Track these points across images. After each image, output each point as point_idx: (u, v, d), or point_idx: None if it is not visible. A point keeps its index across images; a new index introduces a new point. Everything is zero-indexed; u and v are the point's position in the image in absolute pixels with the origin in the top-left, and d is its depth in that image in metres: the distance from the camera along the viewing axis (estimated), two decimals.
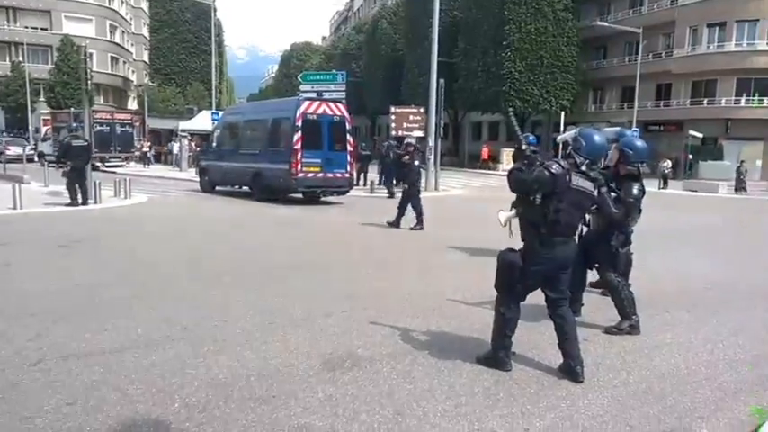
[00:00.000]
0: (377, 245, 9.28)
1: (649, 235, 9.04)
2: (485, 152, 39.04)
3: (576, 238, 4.19)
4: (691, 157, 31.60)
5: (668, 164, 26.77)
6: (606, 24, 34.98)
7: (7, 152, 26.10)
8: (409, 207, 10.91)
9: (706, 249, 9.84)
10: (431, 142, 19.73)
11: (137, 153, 30.37)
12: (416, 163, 11.43)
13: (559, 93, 36.58)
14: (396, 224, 10.80)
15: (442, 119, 22.66)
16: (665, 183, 25.47)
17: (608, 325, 4.96)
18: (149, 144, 30.57)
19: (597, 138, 3.93)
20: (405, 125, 20.13)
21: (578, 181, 3.77)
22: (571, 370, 3.86)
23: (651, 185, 23.64)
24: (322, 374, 3.81)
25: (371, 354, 4.20)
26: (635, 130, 30.42)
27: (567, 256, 3.92)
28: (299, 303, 5.42)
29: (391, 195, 16.90)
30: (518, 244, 3.98)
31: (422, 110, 20.66)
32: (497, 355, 4.01)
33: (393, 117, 20.52)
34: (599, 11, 40.05)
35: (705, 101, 33.77)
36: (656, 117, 36.18)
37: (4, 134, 39.39)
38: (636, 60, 33.59)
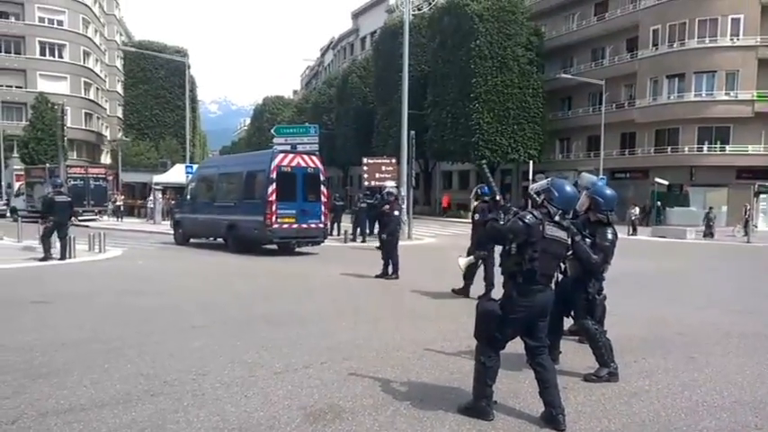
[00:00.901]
0: (353, 294, 9.35)
1: (621, 280, 9.32)
2: (445, 200, 40.16)
3: (553, 285, 4.31)
4: (659, 203, 32.52)
5: (636, 210, 27.57)
6: (570, 77, 36.65)
7: None
8: None
9: (677, 294, 10.10)
10: (403, 192, 20.09)
11: (110, 207, 30.15)
12: (396, 213, 11.61)
13: (527, 142, 37.71)
14: (384, 275, 10.86)
15: (414, 169, 23.14)
16: (635, 229, 26.14)
17: (587, 372, 5.05)
18: (122, 197, 30.37)
19: (569, 188, 4.11)
20: (377, 175, 20.51)
21: (552, 230, 3.93)
22: (553, 418, 3.91)
23: (621, 232, 24.17)
24: (303, 427, 3.83)
25: (353, 405, 4.24)
26: (602, 178, 31.41)
27: (545, 303, 4.04)
28: (278, 355, 5.44)
29: (363, 241, 18.91)
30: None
31: (393, 160, 21.12)
32: (479, 405, 4.06)
33: (365, 168, 20.91)
34: (562, 64, 41.91)
35: (669, 149, 35.10)
36: (622, 165, 37.42)
37: None
38: (600, 110, 35.04)
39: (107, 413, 3.98)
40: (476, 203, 8.83)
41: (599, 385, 4.83)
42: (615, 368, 4.97)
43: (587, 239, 4.91)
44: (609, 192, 5.30)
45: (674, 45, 34.47)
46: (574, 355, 5.74)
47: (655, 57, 35.36)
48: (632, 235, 25.26)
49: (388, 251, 11.03)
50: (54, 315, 7.34)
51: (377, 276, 10.88)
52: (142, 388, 4.49)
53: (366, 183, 21.15)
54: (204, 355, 5.44)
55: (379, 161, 21.43)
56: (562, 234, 4.00)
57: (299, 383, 4.68)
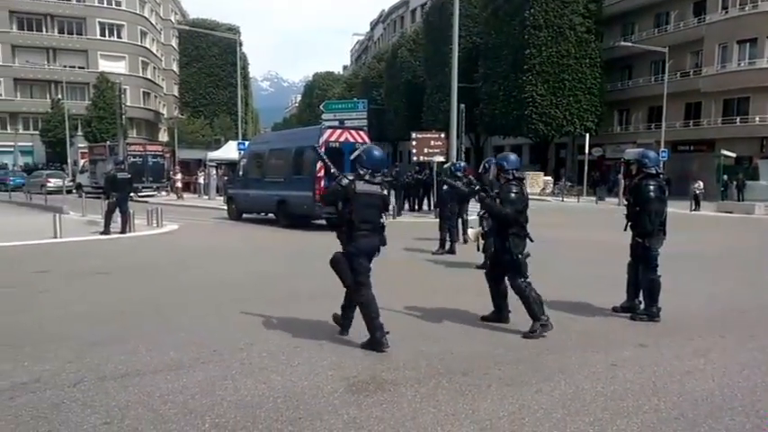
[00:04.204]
0: (401, 268, 9.36)
1: (681, 257, 8.97)
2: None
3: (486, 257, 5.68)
4: (726, 177, 30.63)
5: (700, 185, 26.17)
6: (630, 44, 34.95)
7: (48, 184, 27.06)
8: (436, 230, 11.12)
9: (743, 272, 9.58)
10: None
11: (168, 183, 31.12)
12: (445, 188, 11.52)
13: (583, 114, 36.47)
14: (450, 250, 10.92)
15: (464, 143, 22.78)
16: (698, 204, 24.95)
17: (636, 349, 4.92)
18: (180, 175, 31.15)
19: (376, 153, 5.03)
20: (426, 150, 20.31)
21: (363, 186, 4.83)
22: (377, 342, 4.80)
23: (683, 207, 23.34)
24: (346, 397, 3.89)
25: (395, 377, 4.27)
26: (663, 151, 30.11)
27: (371, 246, 4.98)
28: (323, 327, 5.52)
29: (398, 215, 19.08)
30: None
31: (443, 135, 20.84)
32: (374, 338, 4.82)
33: (414, 143, 20.73)
34: (622, 31, 40.05)
35: (738, 119, 33.21)
36: (685, 137, 35.75)
37: (47, 167, 40.95)
38: (662, 80, 33.39)
39: (160, 378, 4.16)
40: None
41: (650, 362, 4.68)
42: (546, 320, 5.32)
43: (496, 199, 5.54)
44: (512, 156, 5.86)
45: (746, 8, 32.29)
46: (624, 331, 5.60)
47: (724, 21, 33.29)
48: (695, 210, 24.17)
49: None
50: (113, 285, 7.70)
51: (435, 252, 10.89)
52: (193, 356, 4.66)
53: (415, 158, 21.01)
54: (252, 326, 5.59)
55: (428, 136, 21.19)
56: (375, 188, 4.88)
57: (343, 354, 4.75)
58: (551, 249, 11.95)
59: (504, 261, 5.53)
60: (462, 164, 12.63)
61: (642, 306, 6.06)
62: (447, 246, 10.93)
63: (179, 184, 28.86)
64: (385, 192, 5.04)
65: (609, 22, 39.10)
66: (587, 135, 34.00)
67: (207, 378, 4.18)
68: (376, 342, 4.80)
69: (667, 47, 33.24)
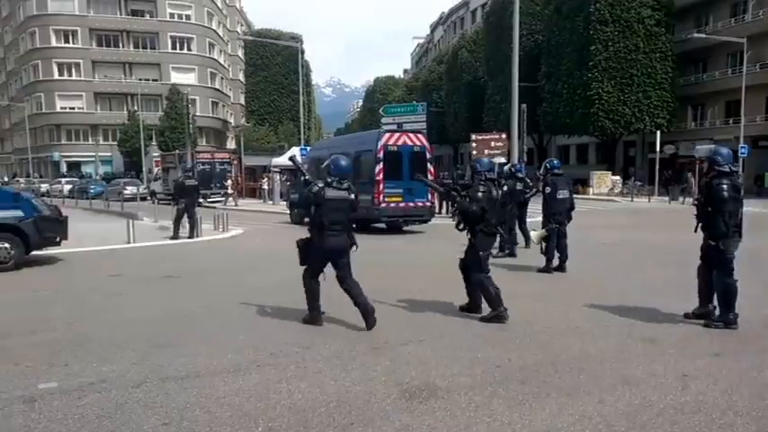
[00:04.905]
0: (458, 272, 9.21)
1: (762, 261, 8.37)
2: None
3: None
4: None
5: None
6: (705, 36, 33.09)
7: (125, 192, 28.62)
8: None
9: None
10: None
11: (235, 190, 32.08)
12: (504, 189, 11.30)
13: (654, 111, 34.86)
14: (510, 253, 10.67)
15: (526, 143, 22.29)
16: None
17: (710, 359, 4.62)
18: (232, 182, 31.71)
19: (343, 163, 5.70)
20: (486, 152, 20.05)
21: (331, 192, 5.51)
22: (368, 313, 5.56)
23: (758, 206, 21.81)
24: (399, 403, 3.85)
25: (449, 384, 4.19)
26: (743, 147, 28.33)
27: (338, 245, 5.60)
28: (380, 331, 5.51)
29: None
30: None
31: (503, 135, 20.46)
32: (312, 315, 5.77)
33: (474, 144, 20.50)
34: (696, 23, 38.01)
35: None
36: (767, 131, 33.45)
37: (124, 176, 43.34)
38: (741, 72, 31.41)
39: (218, 381, 4.26)
40: (545, 177, 9.18)
41: (725, 374, 4.37)
42: (503, 311, 5.84)
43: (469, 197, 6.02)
44: (485, 160, 6.55)
45: None
46: (698, 339, 5.28)
47: None
48: None
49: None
50: (179, 289, 8.01)
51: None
52: (250, 358, 4.75)
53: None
54: (309, 329, 5.65)
55: (488, 137, 20.93)
56: (342, 194, 5.55)
57: (397, 359, 4.71)
58: (616, 252, 11.47)
59: (470, 257, 6.09)
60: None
61: (717, 312, 5.68)
62: (507, 249, 10.67)
63: (230, 190, 29.58)
64: (352, 196, 5.64)
65: (681, 14, 37.18)
66: (658, 132, 32.43)
67: (262, 381, 4.25)
68: (313, 318, 5.76)
69: (745, 37, 31.17)
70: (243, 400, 3.89)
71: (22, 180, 47.80)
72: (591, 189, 33.54)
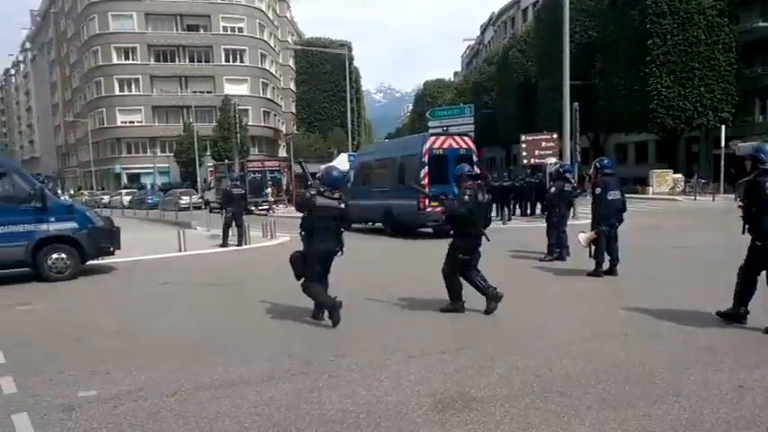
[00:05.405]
0: (504, 276, 8.96)
1: None
2: None
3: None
4: None
5: None
6: None
7: (180, 202, 29.60)
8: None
9: None
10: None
11: (286, 198, 32.54)
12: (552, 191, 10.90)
13: (717, 105, 33.12)
14: (558, 256, 10.34)
15: (580, 143, 21.60)
16: None
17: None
18: (274, 190, 32.04)
19: (335, 173, 6.28)
20: (536, 152, 19.52)
21: (322, 201, 5.94)
22: (334, 309, 5.96)
23: None
24: (431, 414, 3.72)
25: (484, 395, 4.03)
26: None
27: (327, 250, 6.04)
28: (415, 339, 5.39)
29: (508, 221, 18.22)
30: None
31: (555, 135, 19.89)
32: (325, 307, 6.05)
33: (524, 145, 20.02)
34: (762, 10, 35.91)
35: None
36: None
37: (181, 186, 44.91)
38: None
39: (250, 390, 4.25)
40: (595, 177, 8.73)
41: None
42: (460, 305, 6.32)
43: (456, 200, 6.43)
44: (466, 167, 6.88)
45: None
46: (757, 347, 4.92)
47: None
48: None
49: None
50: (224, 296, 8.15)
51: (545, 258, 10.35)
52: (285, 367, 4.73)
53: (525, 161, 20.26)
54: (345, 337, 5.60)
55: (539, 137, 20.36)
56: (332, 202, 5.93)
57: (431, 369, 4.58)
58: (672, 254, 10.89)
59: (447, 255, 6.44)
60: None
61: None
62: (556, 252, 10.32)
63: (271, 198, 29.82)
64: (342, 205, 6.00)
65: (744, 3, 35.19)
66: (723, 127, 30.77)
67: (294, 390, 4.21)
68: (329, 306, 6.01)
69: None
70: (273, 411, 3.85)
71: (86, 192, 50.36)
72: (650, 188, 32.20)
